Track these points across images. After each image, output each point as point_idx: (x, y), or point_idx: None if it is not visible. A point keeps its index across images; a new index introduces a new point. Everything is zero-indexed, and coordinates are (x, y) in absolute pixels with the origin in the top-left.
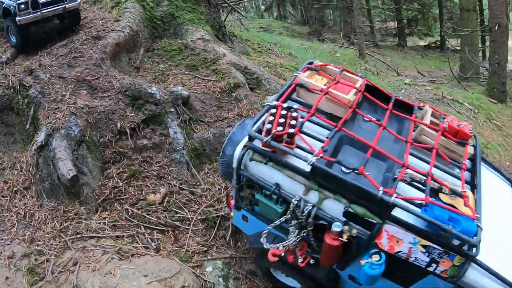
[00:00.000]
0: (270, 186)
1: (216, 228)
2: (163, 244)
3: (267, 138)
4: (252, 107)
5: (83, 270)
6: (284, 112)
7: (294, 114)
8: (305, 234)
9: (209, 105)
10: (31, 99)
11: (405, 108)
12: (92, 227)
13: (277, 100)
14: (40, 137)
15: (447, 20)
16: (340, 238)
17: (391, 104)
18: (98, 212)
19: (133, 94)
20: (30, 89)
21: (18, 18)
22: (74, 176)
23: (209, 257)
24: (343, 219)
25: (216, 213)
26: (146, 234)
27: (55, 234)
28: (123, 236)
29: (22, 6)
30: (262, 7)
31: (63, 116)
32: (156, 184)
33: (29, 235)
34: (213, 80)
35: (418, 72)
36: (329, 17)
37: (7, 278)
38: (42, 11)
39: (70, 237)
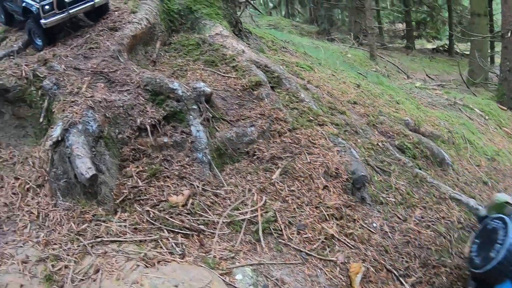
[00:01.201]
0: None
1: (242, 233)
2: (188, 249)
3: None
4: (273, 106)
5: (106, 278)
6: None
7: None
8: None
9: (230, 103)
10: (45, 90)
11: None
12: (112, 230)
13: None
14: (56, 132)
15: (457, 24)
16: None
17: None
18: (118, 213)
19: (154, 89)
20: (44, 80)
21: (43, 21)
22: (94, 175)
23: (237, 263)
24: None
25: (242, 217)
26: (170, 238)
27: (72, 237)
28: (146, 240)
29: (47, 7)
30: (271, 5)
31: (80, 110)
32: (177, 184)
33: (43, 237)
34: (234, 78)
35: (427, 75)
36: (337, 17)
37: (22, 285)
38: (70, 11)
39: (89, 240)
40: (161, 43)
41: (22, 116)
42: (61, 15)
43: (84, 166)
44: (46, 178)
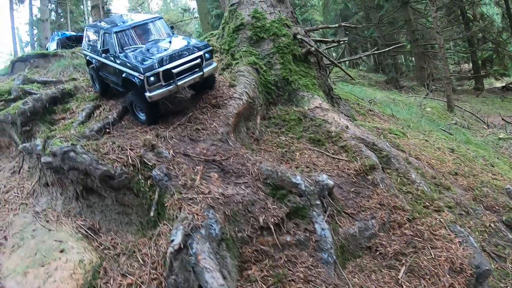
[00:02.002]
0: None
1: None
2: None
3: None
4: (389, 193)
5: None
6: None
7: None
8: None
9: (346, 191)
10: (156, 181)
11: None
12: None
13: None
14: (177, 238)
15: None
16: None
17: None
18: None
19: (274, 183)
20: (154, 170)
21: (148, 94)
22: None
23: None
24: None
25: None
26: None
27: None
28: None
29: (152, 78)
30: (334, 54)
31: (200, 210)
32: None
33: None
34: (345, 160)
35: (503, 119)
36: (402, 62)
37: None
38: (178, 83)
39: None
40: (261, 117)
41: (127, 204)
42: (168, 88)
43: (216, 283)
44: (163, 284)
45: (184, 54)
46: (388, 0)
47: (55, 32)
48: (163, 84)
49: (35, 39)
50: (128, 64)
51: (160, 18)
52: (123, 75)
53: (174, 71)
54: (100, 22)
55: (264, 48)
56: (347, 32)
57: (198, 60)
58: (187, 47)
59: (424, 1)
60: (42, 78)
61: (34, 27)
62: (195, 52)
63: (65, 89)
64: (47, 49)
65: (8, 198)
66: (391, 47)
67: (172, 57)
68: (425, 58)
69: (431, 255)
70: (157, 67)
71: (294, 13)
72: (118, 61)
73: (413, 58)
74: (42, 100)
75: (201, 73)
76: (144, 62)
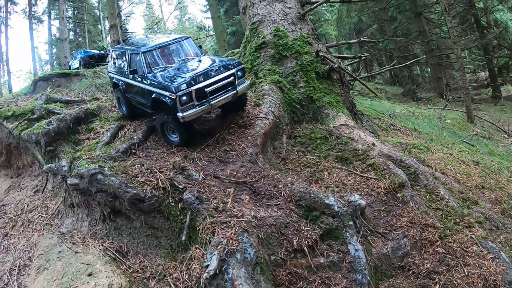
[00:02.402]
0: None
1: None
2: None
3: None
4: (420, 210)
5: None
6: None
7: None
8: None
9: (377, 210)
10: (187, 204)
11: None
12: None
13: None
14: (212, 263)
15: None
16: None
17: None
18: None
19: (307, 205)
20: (185, 193)
21: (181, 114)
22: None
23: None
24: None
25: None
26: None
27: None
28: None
29: (184, 98)
30: (349, 68)
31: (235, 234)
32: None
33: None
34: (374, 178)
35: None
36: (418, 74)
37: None
38: (211, 102)
39: None
40: (287, 136)
41: (156, 227)
42: (202, 107)
43: None
44: None
45: (217, 73)
46: (402, 11)
47: (78, 50)
48: (196, 103)
49: (54, 58)
50: (158, 84)
51: (188, 37)
52: (153, 96)
53: (207, 89)
54: (125, 43)
55: (287, 66)
56: (366, 46)
57: (231, 78)
58: (218, 65)
59: (437, 11)
60: (64, 98)
61: (53, 46)
62: (227, 70)
63: (89, 109)
64: (69, 67)
65: (32, 218)
66: (410, 62)
67: (204, 76)
68: (441, 68)
69: (464, 272)
70: (189, 86)
71: (314, 30)
72: (146, 82)
73: (429, 69)
74: (66, 120)
75: (234, 91)
76: (175, 81)
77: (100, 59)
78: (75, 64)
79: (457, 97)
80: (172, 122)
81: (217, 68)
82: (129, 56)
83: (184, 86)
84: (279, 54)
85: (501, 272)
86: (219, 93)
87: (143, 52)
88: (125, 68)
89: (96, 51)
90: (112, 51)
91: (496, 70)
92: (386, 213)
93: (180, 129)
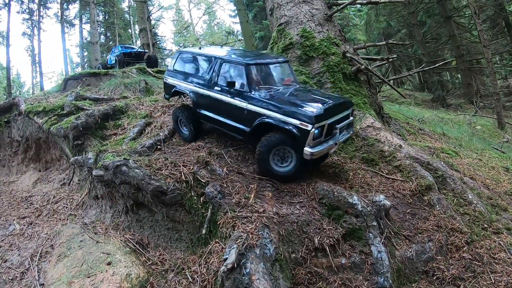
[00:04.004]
0: None
1: None
2: None
3: None
4: (446, 214)
5: None
6: None
7: None
8: None
9: (402, 212)
10: (209, 198)
11: None
12: None
13: None
14: (231, 257)
15: None
16: None
17: None
18: None
19: (330, 203)
20: (207, 187)
21: (310, 150)
22: None
23: None
24: None
25: None
26: None
27: None
28: None
29: (317, 131)
30: (378, 72)
31: (255, 229)
32: None
33: None
34: (400, 180)
35: None
36: (447, 79)
37: None
38: (340, 139)
39: None
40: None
41: (177, 220)
42: (329, 144)
43: None
44: None
45: (341, 108)
46: (431, 15)
47: (116, 46)
48: (323, 140)
49: (85, 60)
50: (275, 108)
51: (287, 61)
52: (259, 120)
53: (338, 126)
54: (197, 48)
55: (314, 67)
56: (394, 49)
57: (352, 118)
58: (340, 101)
59: (467, 15)
60: (94, 95)
61: (84, 49)
62: (348, 108)
63: (117, 106)
64: (106, 62)
65: (57, 209)
66: (439, 64)
67: (334, 110)
68: (471, 74)
69: (491, 280)
70: (323, 118)
71: (342, 32)
72: (250, 101)
73: (459, 74)
74: (94, 115)
75: (352, 131)
76: (306, 110)
77: (137, 57)
78: (112, 60)
79: (488, 104)
80: (299, 153)
81: (339, 104)
82: (218, 65)
83: (321, 117)
84: (306, 55)
85: None
86: (344, 132)
87: (248, 65)
88: (207, 77)
89: (134, 47)
90: (179, 54)
91: None
92: (411, 216)
93: (300, 163)
